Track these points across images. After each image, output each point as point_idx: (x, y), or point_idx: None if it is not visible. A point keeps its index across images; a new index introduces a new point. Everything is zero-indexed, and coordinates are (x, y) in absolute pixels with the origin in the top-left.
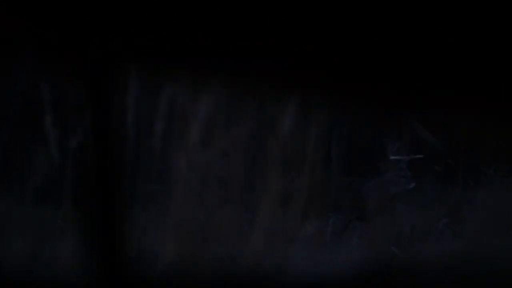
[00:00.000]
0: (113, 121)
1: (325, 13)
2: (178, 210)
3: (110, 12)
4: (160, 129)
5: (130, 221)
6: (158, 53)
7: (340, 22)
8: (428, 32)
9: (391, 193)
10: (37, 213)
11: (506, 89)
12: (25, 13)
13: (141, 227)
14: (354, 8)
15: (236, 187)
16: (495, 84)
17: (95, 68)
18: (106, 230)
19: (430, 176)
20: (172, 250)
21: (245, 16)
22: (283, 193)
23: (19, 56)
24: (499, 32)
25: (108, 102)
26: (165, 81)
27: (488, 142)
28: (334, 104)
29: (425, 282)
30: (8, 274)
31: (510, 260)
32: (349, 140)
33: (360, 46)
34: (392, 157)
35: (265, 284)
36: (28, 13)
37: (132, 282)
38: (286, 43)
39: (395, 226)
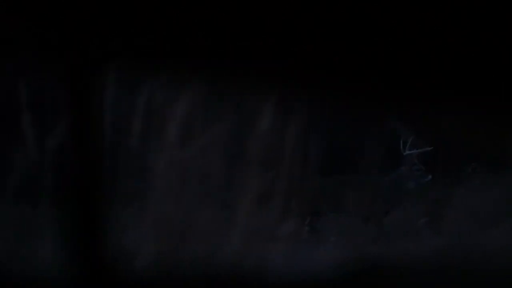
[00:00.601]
0: (92, 120)
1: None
2: (157, 208)
3: (88, 15)
4: (138, 127)
5: (109, 220)
6: (136, 53)
7: (324, 22)
8: (407, 33)
9: (371, 191)
10: (17, 212)
11: (486, 89)
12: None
13: (121, 226)
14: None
15: (215, 186)
16: (475, 84)
17: (73, 69)
18: (85, 229)
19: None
20: (152, 248)
21: (225, 18)
22: (262, 191)
23: None
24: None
25: (87, 101)
26: (144, 80)
27: (467, 140)
28: (313, 103)
29: (405, 280)
30: None
31: (491, 257)
32: (328, 139)
33: (337, 46)
34: (372, 156)
35: (244, 281)
36: (5, 15)
37: (112, 279)
38: (266, 43)
39: (374, 225)
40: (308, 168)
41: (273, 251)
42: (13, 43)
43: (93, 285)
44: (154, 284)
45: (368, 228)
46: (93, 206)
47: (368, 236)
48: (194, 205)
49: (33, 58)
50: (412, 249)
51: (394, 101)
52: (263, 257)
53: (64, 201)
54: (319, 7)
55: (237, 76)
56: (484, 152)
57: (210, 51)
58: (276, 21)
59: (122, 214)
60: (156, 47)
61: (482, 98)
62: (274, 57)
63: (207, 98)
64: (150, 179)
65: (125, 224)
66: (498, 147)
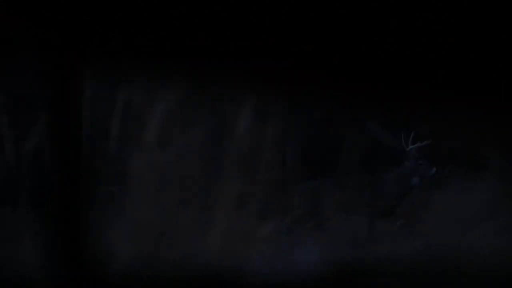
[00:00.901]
0: (70, 123)
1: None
2: (136, 210)
3: (65, 17)
4: (117, 130)
5: (88, 222)
6: (114, 55)
7: (305, 25)
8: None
9: (348, 195)
10: None
11: (464, 92)
12: None
13: (99, 228)
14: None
15: (194, 188)
16: (454, 86)
17: (51, 71)
18: (64, 231)
19: (385, 176)
20: (130, 250)
21: (202, 18)
22: (240, 194)
23: None
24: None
25: (65, 103)
26: (122, 82)
27: (443, 142)
28: (291, 104)
29: (381, 281)
30: None
31: (468, 258)
32: (306, 141)
33: (317, 48)
34: (349, 157)
35: (222, 282)
36: None
37: (91, 281)
38: (244, 46)
39: (351, 227)
40: (286, 170)
41: (251, 253)
42: None
43: (73, 285)
44: (133, 286)
45: (346, 230)
46: (72, 209)
47: (349, 238)
48: (173, 207)
49: (10, 60)
50: (389, 251)
51: (372, 102)
52: (241, 259)
53: (43, 204)
54: (296, 10)
55: (214, 78)
56: (462, 155)
57: (188, 53)
58: (255, 23)
59: (101, 216)
60: (135, 49)
61: (461, 103)
62: (252, 59)
63: (185, 101)
64: (129, 181)
65: (104, 226)
66: (476, 150)
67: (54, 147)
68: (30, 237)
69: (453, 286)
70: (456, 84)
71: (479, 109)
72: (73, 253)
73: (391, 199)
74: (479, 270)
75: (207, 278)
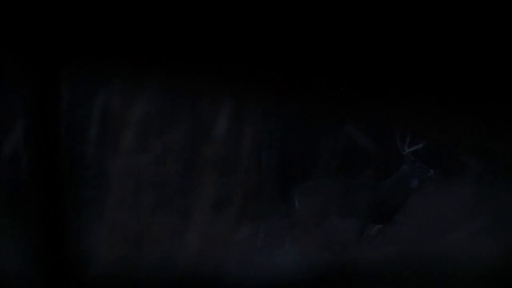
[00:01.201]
0: (47, 127)
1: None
2: (113, 214)
3: (44, 19)
4: (94, 133)
5: (66, 225)
6: (92, 58)
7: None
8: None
9: (325, 199)
10: None
11: (441, 94)
12: None
13: (78, 231)
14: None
15: (171, 192)
16: (431, 89)
17: (29, 75)
18: (42, 235)
19: (362, 180)
20: (108, 254)
21: (180, 22)
22: (217, 197)
23: None
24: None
25: (42, 107)
26: (100, 86)
27: (421, 147)
28: (268, 108)
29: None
30: None
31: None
32: (282, 145)
33: (293, 52)
34: (325, 161)
35: (199, 285)
36: None
37: (68, 284)
38: (220, 48)
39: (328, 231)
40: (263, 174)
41: (228, 257)
42: None
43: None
44: None
45: (323, 235)
46: (50, 212)
47: (324, 243)
48: (150, 211)
49: None
50: (366, 255)
51: (349, 106)
52: (218, 262)
53: (21, 208)
54: (271, 15)
55: (192, 82)
56: (439, 158)
57: (166, 57)
58: (232, 27)
59: (79, 219)
60: (113, 53)
61: (436, 107)
62: (229, 63)
63: (162, 104)
64: (106, 186)
65: (82, 229)
66: (452, 154)
67: (32, 151)
68: (9, 242)
69: None
70: (434, 87)
71: (450, 114)
72: (51, 256)
73: (390, 203)
74: (461, 273)
75: (184, 281)
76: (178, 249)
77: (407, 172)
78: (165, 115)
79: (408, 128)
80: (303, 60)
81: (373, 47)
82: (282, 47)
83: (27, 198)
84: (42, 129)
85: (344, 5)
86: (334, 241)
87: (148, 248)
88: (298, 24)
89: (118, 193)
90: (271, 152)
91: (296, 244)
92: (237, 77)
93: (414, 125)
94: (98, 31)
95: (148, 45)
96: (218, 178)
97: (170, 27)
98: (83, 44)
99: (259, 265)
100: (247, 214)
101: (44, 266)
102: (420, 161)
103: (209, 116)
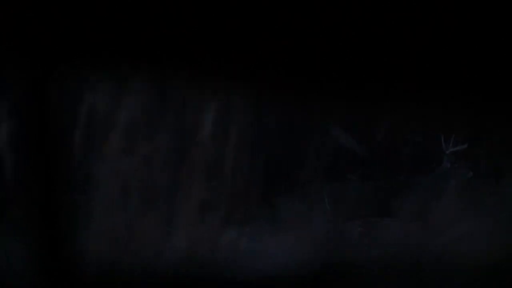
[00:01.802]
0: (34, 129)
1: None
2: (100, 217)
3: (30, 19)
4: (81, 136)
5: (52, 229)
6: (78, 60)
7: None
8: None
9: (309, 203)
10: None
11: (424, 97)
12: None
13: (64, 235)
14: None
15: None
16: (415, 90)
17: (14, 75)
18: (29, 239)
19: (348, 183)
20: (94, 258)
21: (167, 24)
22: (203, 200)
23: None
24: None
25: (29, 109)
26: (86, 88)
27: (405, 148)
28: (256, 109)
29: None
30: None
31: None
32: (270, 148)
33: (284, 51)
34: (311, 165)
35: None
36: None
37: (59, 285)
38: (206, 49)
39: (312, 235)
40: (249, 177)
41: (213, 259)
42: None
43: None
44: None
45: (309, 238)
46: (37, 216)
47: (309, 246)
48: (136, 215)
49: None
50: (351, 258)
51: (336, 108)
52: (204, 264)
53: (8, 211)
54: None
55: (178, 84)
56: (421, 160)
57: (152, 59)
58: (218, 29)
59: (65, 223)
60: (99, 55)
61: (420, 106)
62: (215, 66)
63: (150, 105)
64: (94, 188)
65: (68, 233)
66: (437, 155)
67: (19, 153)
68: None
69: None
70: (424, 86)
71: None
72: (39, 260)
73: (425, 202)
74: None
75: (170, 280)
76: (164, 251)
77: (446, 171)
78: (152, 118)
79: (447, 129)
80: (292, 61)
81: (360, 45)
82: (268, 48)
83: (14, 202)
84: (28, 131)
85: (329, 5)
86: (320, 244)
87: (134, 250)
88: (283, 27)
89: (106, 196)
90: (257, 156)
91: (281, 248)
92: (223, 80)
93: (396, 128)
94: (84, 33)
95: (135, 48)
96: (204, 181)
97: (159, 29)
98: (69, 47)
99: (244, 268)
100: (233, 217)
101: (32, 270)
102: (460, 162)
103: (196, 119)
